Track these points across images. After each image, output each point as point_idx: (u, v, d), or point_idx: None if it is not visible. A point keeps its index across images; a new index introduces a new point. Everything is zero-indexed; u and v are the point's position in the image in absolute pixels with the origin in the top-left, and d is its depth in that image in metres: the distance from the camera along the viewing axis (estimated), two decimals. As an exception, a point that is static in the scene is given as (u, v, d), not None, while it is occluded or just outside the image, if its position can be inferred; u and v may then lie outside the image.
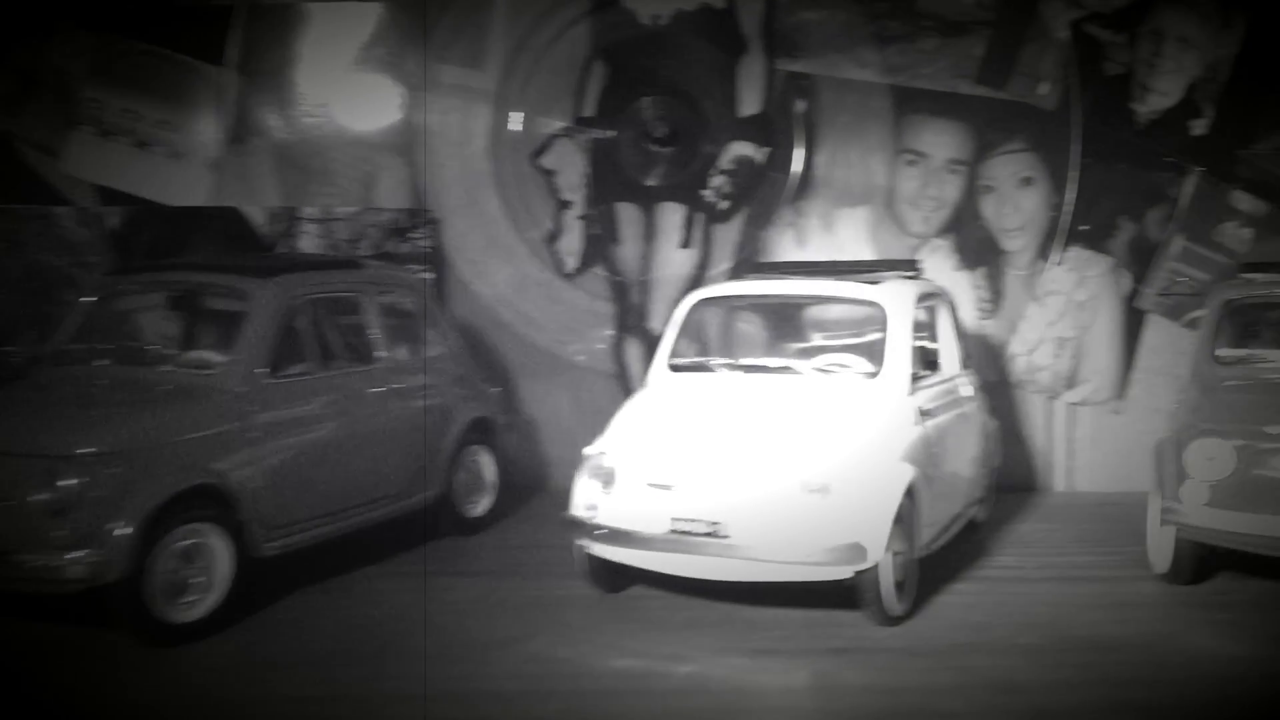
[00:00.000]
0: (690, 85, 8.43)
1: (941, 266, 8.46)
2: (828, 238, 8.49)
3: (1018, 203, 8.50)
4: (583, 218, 8.43)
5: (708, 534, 5.14)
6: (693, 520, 5.18)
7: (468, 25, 8.41)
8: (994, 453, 7.46)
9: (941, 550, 6.18)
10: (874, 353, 5.94)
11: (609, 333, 8.49)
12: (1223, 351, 6.40)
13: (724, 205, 8.47)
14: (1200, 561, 5.86)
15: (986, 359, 8.53)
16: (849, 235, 8.46)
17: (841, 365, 5.98)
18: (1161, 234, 8.50)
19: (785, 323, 7.13)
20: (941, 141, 8.44)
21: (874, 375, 5.77)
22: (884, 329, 5.86)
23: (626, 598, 5.74)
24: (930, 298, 6.68)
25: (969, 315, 8.49)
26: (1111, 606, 5.70)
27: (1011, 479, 8.30)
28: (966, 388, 6.76)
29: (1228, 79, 8.40)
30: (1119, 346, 8.50)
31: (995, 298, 8.57)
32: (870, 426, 5.41)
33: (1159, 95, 8.49)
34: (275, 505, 5.70)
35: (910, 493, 5.45)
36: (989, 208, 8.49)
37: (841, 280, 6.18)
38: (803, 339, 6.99)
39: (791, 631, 5.35)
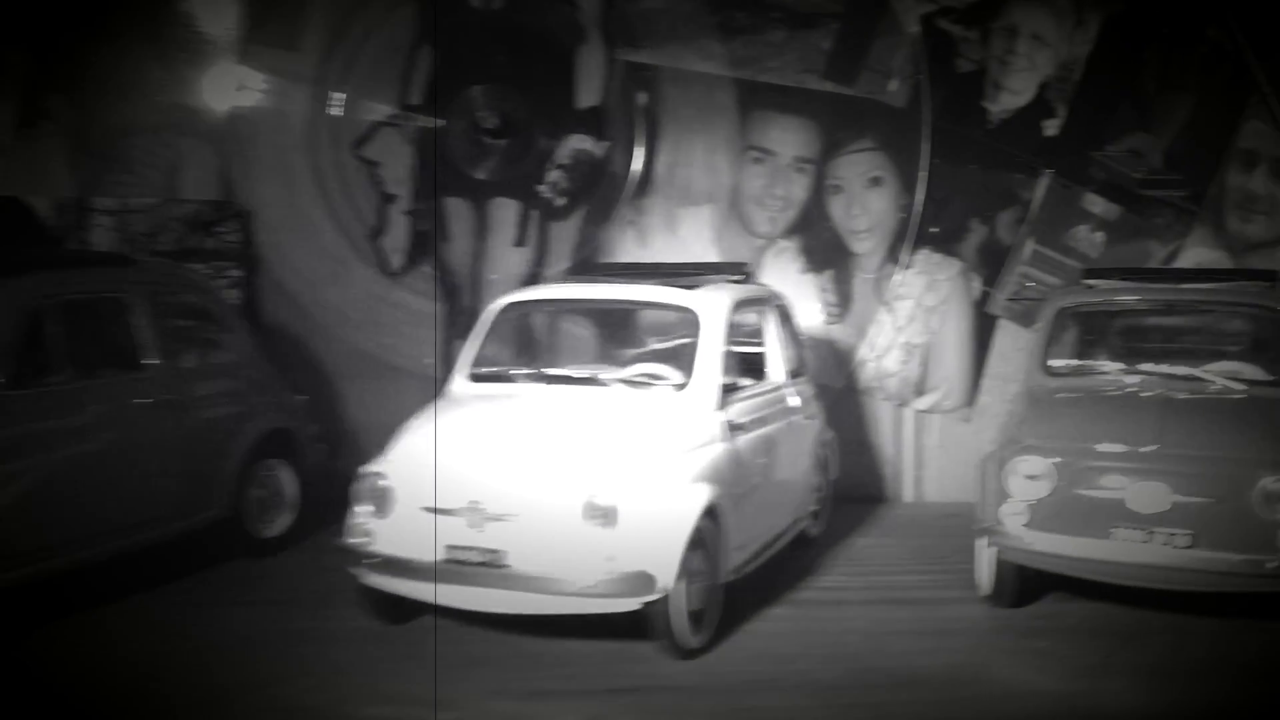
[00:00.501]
0: (525, 74, 7.96)
1: (788, 269, 8.18)
2: (670, 238, 8.09)
3: (866, 203, 8.20)
4: (409, 212, 7.90)
5: (485, 563, 4.69)
6: (470, 548, 4.72)
7: (283, 4, 7.91)
8: (832, 464, 7.17)
9: (762, 570, 5.83)
10: (688, 363, 5.60)
11: (437, 335, 8.07)
12: (1055, 362, 6.15)
13: (561, 202, 8.02)
14: (1025, 583, 5.57)
15: (833, 365, 8.28)
16: (692, 235, 8.07)
17: (653, 376, 5.59)
18: (1013, 237, 8.27)
19: (620, 329, 6.75)
20: (788, 139, 8.08)
21: (682, 387, 5.42)
22: (696, 337, 5.52)
23: (409, 630, 5.25)
24: (757, 302, 6.32)
25: (815, 319, 8.21)
26: (926, 633, 5.38)
27: (856, 490, 8.03)
28: (795, 397, 6.43)
29: (1081, 78, 8.21)
30: (969, 353, 8.23)
31: (843, 301, 8.27)
32: (666, 444, 5.00)
33: (1011, 94, 8.26)
34: (20, 531, 5.15)
35: (712, 514, 5.07)
36: (837, 208, 8.17)
37: (656, 285, 5.79)
38: (638, 345, 6.63)
39: (579, 669, 4.91)
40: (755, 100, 8.04)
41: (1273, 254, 8.40)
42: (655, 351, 5.84)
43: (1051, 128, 8.19)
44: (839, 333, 8.20)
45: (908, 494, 8.28)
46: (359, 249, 7.88)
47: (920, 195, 8.14)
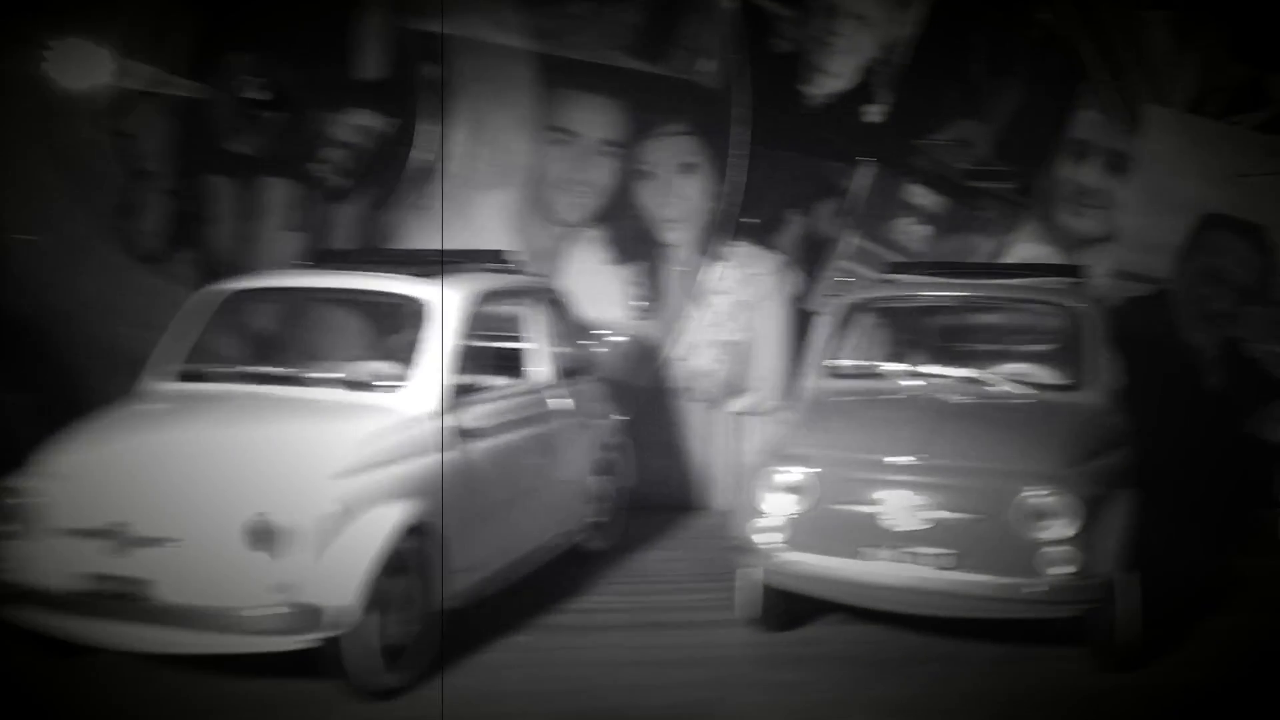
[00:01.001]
0: (300, 41, 7.25)
1: (591, 259, 7.67)
2: (462, 223, 7.49)
3: (678, 191, 7.61)
4: (166, 191, 7.21)
5: (124, 594, 4.04)
6: (111, 577, 4.06)
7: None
8: (623, 471, 6.64)
9: (515, 592, 5.26)
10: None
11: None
12: (837, 362, 5.69)
13: (340, 183, 7.36)
14: (795, 604, 5.05)
15: (640, 363, 7.76)
16: (487, 221, 7.47)
17: (379, 376, 4.98)
18: (833, 229, 7.90)
19: (369, 320, 6.12)
20: (593, 119, 7.47)
21: (398, 388, 4.81)
22: (421, 331, 4.92)
23: (71, 667, 4.57)
24: (518, 294, 5.72)
25: (621, 314, 7.71)
26: (671, 664, 4.83)
27: (661, 498, 7.52)
28: (565, 398, 5.89)
29: (905, 63, 7.78)
30: (787, 352, 7.83)
31: (653, 295, 7.74)
32: (358, 454, 4.35)
33: (831, 77, 7.77)
34: None
35: (422, 533, 4.52)
36: (646, 195, 7.58)
37: (386, 274, 5.18)
38: (386, 339, 5.98)
39: (256, 714, 4.32)
40: (557, 77, 7.40)
41: (1105, 250, 8.16)
42: (393, 348, 5.24)
43: (874, 114, 7.70)
44: (647, 329, 7.73)
45: (719, 501, 7.82)
46: (105, 230, 7.08)
47: (735, 183, 7.72)
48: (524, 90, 7.41)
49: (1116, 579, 4.53)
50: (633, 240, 7.59)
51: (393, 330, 5.36)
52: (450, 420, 4.76)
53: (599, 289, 7.50)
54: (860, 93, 7.71)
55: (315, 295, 5.38)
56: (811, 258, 7.76)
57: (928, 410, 4.97)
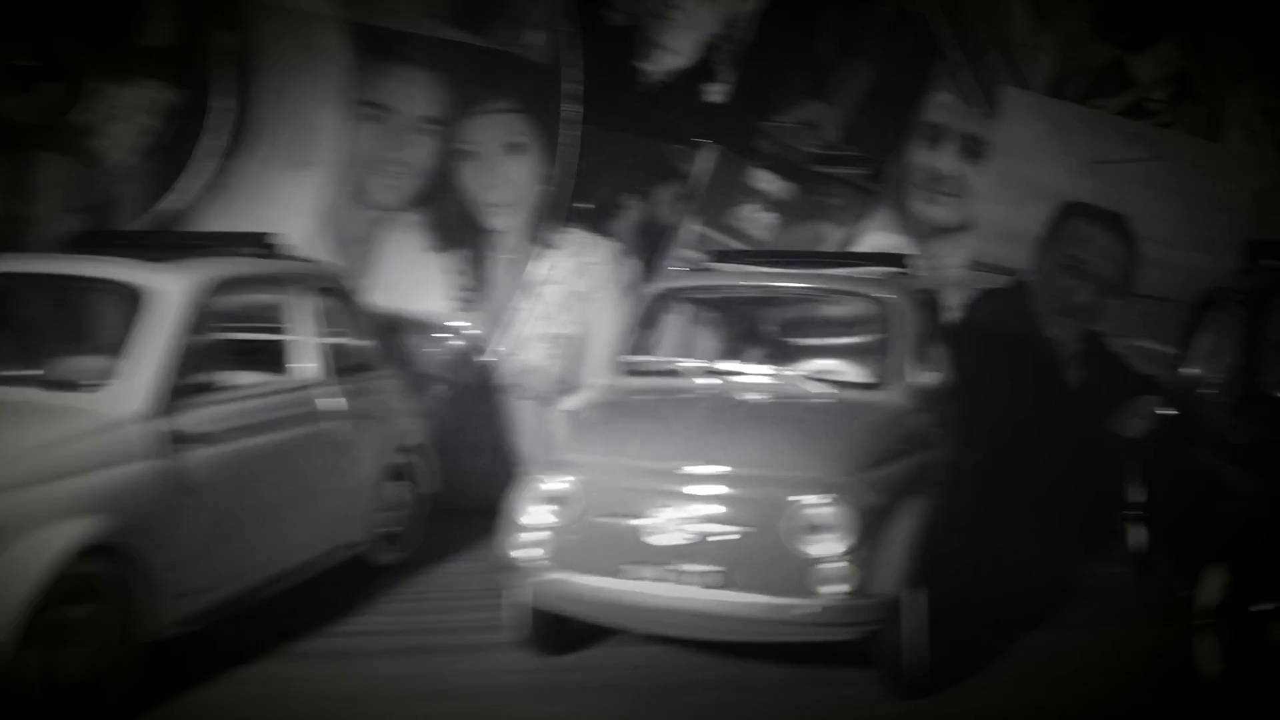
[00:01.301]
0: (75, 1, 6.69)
1: (410, 247, 7.14)
2: (264, 206, 6.93)
3: (504, 173, 7.09)
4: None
5: None
6: None
7: None
8: (424, 476, 6.10)
9: (265, 612, 4.71)
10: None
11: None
12: (632, 358, 5.21)
13: (124, 159, 6.76)
14: (564, 626, 4.51)
15: (463, 358, 7.23)
16: (292, 202, 6.91)
17: (85, 372, 4.44)
18: (673, 216, 7.41)
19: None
20: (410, 94, 6.91)
21: (98, 389, 4.21)
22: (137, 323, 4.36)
23: None
24: (277, 282, 5.14)
25: (443, 305, 7.17)
26: (421, 695, 4.30)
27: (483, 502, 7.02)
28: (337, 397, 5.31)
29: (749, 39, 7.34)
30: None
31: (477, 285, 7.22)
32: (19, 465, 3.73)
33: (670, 54, 7.27)
34: None
35: (114, 554, 3.96)
36: (469, 177, 7.06)
37: (101, 259, 4.56)
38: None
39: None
40: (370, 47, 6.83)
41: (961, 240, 7.82)
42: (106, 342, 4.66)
43: (716, 93, 7.28)
44: (474, 321, 7.14)
45: (549, 506, 7.36)
46: None
47: (567, 165, 7.23)
48: (333, 61, 6.83)
49: (902, 597, 4.16)
50: (455, 226, 7.04)
51: (111, 323, 4.81)
52: (161, 424, 4.23)
53: (418, 278, 7.00)
54: (701, 70, 7.24)
55: (27, 282, 4.79)
56: (650, 246, 7.25)
57: (706, 411, 4.51)
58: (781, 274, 5.28)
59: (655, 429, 4.46)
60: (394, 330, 6.74)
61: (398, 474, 5.81)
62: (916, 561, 4.15)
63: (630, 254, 7.22)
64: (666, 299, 5.37)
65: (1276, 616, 3.80)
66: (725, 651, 4.61)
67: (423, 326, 6.94)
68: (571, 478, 4.26)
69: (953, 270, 7.64)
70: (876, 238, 7.59)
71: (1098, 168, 7.63)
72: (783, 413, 4.60)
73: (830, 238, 7.57)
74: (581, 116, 7.04)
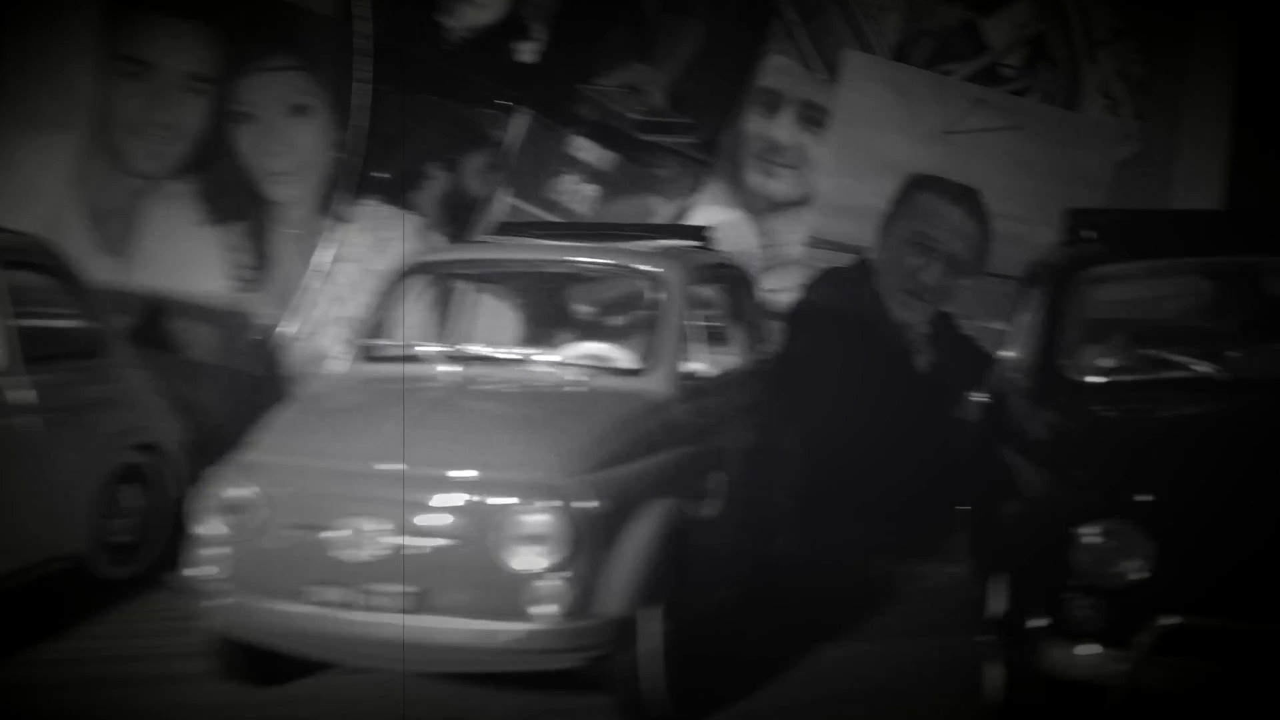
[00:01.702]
0: None
1: (177, 218, 6.43)
2: (8, 171, 6.23)
3: (287, 138, 6.42)
4: None
5: None
6: None
7: None
8: (170, 477, 5.32)
9: None
10: None
11: None
12: (369, 341, 4.42)
13: None
14: (268, 652, 3.79)
15: (246, 343, 6.55)
16: (40, 169, 6.21)
17: None
18: (483, 187, 6.78)
19: None
20: (175, 48, 6.26)
21: None
22: None
23: None
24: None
25: (219, 284, 6.49)
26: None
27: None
28: (26, 390, 4.46)
29: (566, -7, 6.84)
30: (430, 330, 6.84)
31: (259, 263, 6.50)
32: None
33: (475, 8, 6.60)
34: None
35: None
36: (247, 142, 6.38)
37: None
38: None
39: None
40: (128, -5, 6.30)
41: (800, 214, 7.30)
42: None
43: (528, 53, 6.67)
44: (255, 302, 6.48)
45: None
46: None
47: (359, 130, 6.53)
48: (86, 12, 6.19)
49: (638, 616, 3.59)
50: (231, 196, 6.37)
51: None
52: None
53: (188, 255, 6.31)
54: (511, 27, 6.60)
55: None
56: (457, 220, 6.59)
57: (425, 404, 3.83)
58: (544, 248, 4.70)
59: (356, 424, 3.82)
60: (156, 312, 6.08)
61: (131, 476, 5.15)
62: (653, 575, 3.60)
63: (435, 228, 6.58)
64: (415, 276, 4.74)
65: (1052, 635, 3.33)
66: (464, 679, 4.05)
67: (193, 309, 6.29)
68: (253, 483, 3.64)
69: (791, 248, 7.17)
70: (709, 212, 7.09)
71: (947, 138, 7.09)
72: (517, 405, 3.98)
73: (660, 212, 7.03)
74: (375, 75, 6.44)
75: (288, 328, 6.44)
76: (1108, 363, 4.01)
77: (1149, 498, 3.24)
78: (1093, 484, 3.39)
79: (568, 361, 4.24)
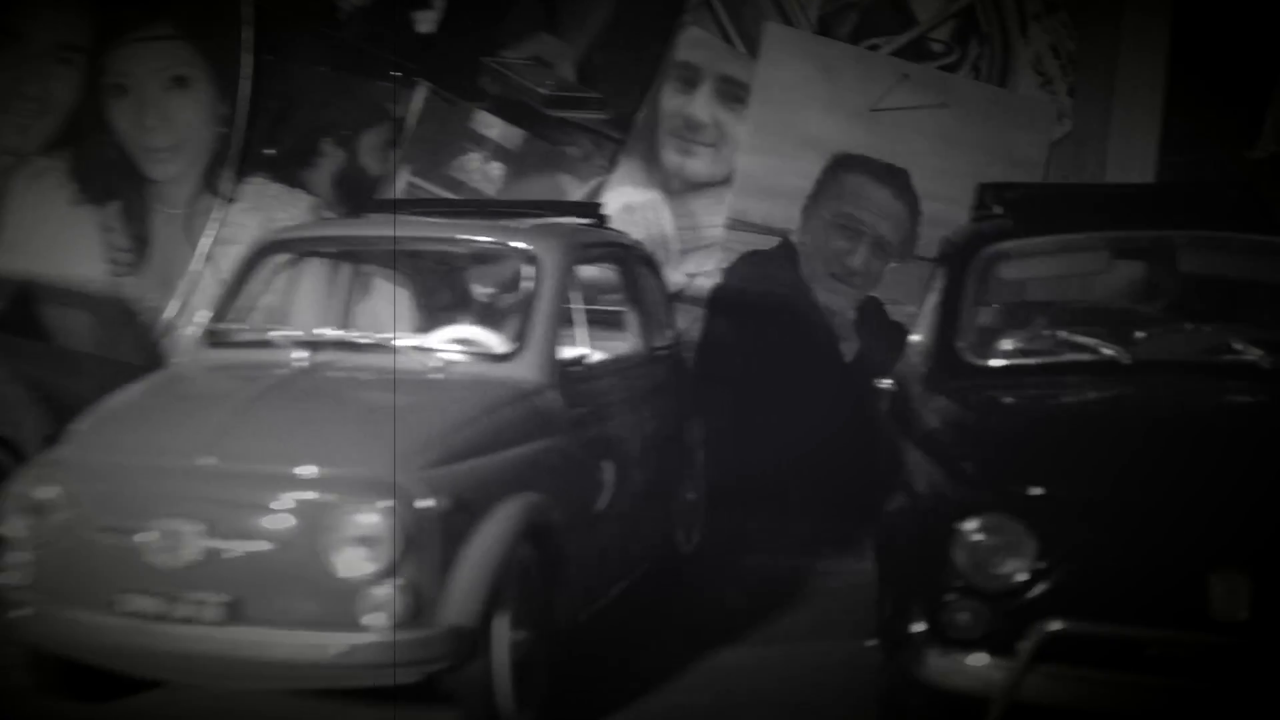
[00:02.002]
0: None
1: (47, 197, 5.96)
2: None
3: (167, 111, 6.00)
4: None
5: None
6: None
7: None
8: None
9: None
10: None
11: None
12: (218, 326, 4.02)
13: None
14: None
15: (125, 332, 6.20)
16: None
17: None
18: (380, 165, 6.41)
19: None
20: (41, 17, 5.80)
21: None
22: None
23: None
24: None
25: (93, 269, 6.01)
26: None
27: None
28: None
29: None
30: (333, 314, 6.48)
31: (138, 245, 6.10)
32: None
33: (369, -27, 6.44)
34: None
35: None
36: (123, 116, 5.97)
37: None
38: None
39: None
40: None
41: (720, 195, 7.01)
42: None
43: (426, 22, 6.31)
44: (131, 288, 6.10)
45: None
46: None
47: (244, 104, 6.17)
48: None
49: (494, 625, 3.20)
50: (106, 174, 5.94)
51: None
52: None
53: (57, 236, 5.90)
54: (407, -6, 6.39)
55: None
56: (352, 199, 6.19)
57: (260, 392, 3.48)
58: (412, 225, 4.34)
59: (179, 416, 3.44)
60: (24, 298, 5.69)
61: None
62: (507, 579, 3.27)
63: (328, 208, 6.20)
64: (270, 254, 4.32)
65: (931, 642, 3.04)
66: (318, 690, 3.72)
67: (65, 294, 5.90)
68: (56, 482, 3.24)
69: (711, 230, 6.86)
70: (622, 192, 6.77)
71: (873, 116, 6.82)
72: (363, 393, 3.63)
73: (572, 193, 6.71)
74: (262, 46, 6.06)
75: (170, 314, 6.10)
76: (1008, 345, 3.76)
77: (1035, 491, 2.98)
78: (977, 477, 3.12)
79: (431, 346, 3.92)
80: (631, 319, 4.75)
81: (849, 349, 6.87)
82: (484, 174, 6.44)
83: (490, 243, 4.16)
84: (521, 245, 4.05)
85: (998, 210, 4.33)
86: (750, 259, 6.79)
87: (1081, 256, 3.93)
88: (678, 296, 7.11)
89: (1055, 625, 2.81)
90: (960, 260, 3.88)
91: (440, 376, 3.73)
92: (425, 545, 3.09)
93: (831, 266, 6.89)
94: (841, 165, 6.83)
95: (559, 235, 4.21)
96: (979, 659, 2.90)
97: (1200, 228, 3.80)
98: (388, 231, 4.18)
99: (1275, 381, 3.41)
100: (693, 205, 6.74)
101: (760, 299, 6.78)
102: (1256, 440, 3.08)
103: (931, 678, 2.97)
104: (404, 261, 4.61)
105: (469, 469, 3.31)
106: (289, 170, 6.11)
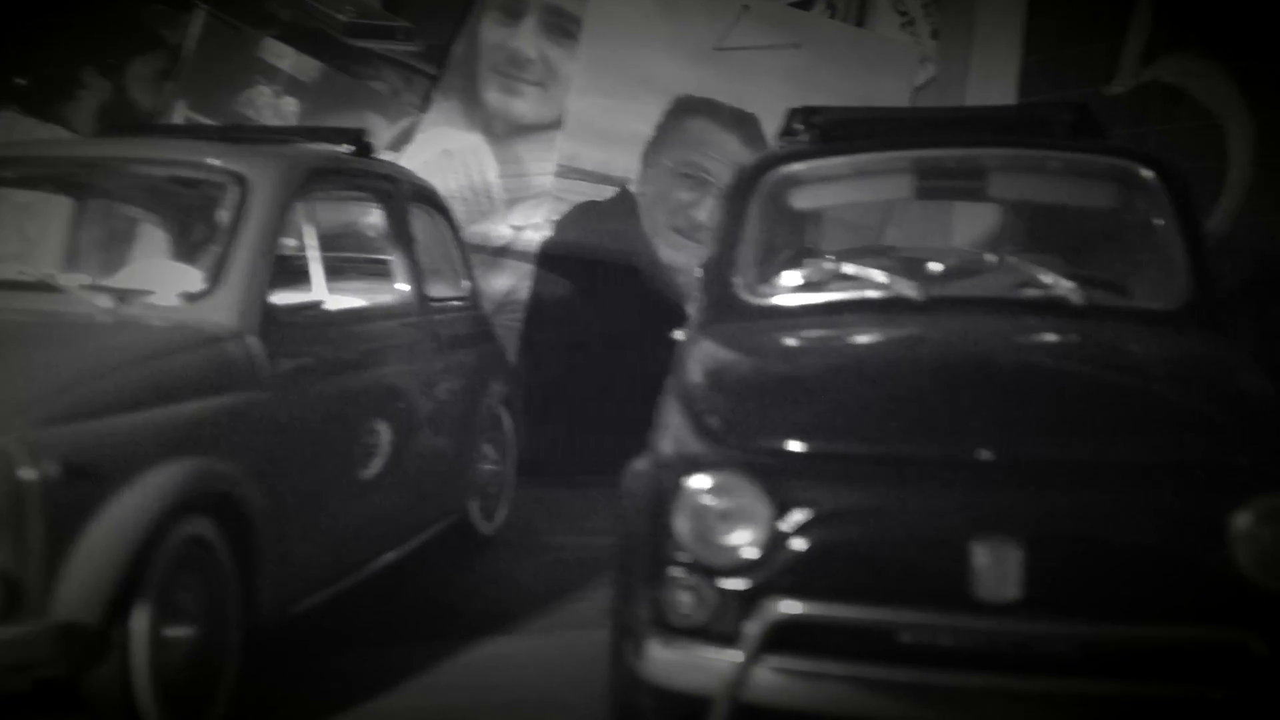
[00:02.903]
0: None
1: None
2: None
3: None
4: None
5: None
6: None
7: None
8: None
9: None
10: None
11: None
12: None
13: None
14: None
15: None
16: None
17: None
18: (155, 98, 5.67)
19: None
20: None
21: None
22: None
23: None
24: None
25: None
26: None
27: None
28: None
29: None
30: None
31: None
32: None
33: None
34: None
35: None
36: None
37: None
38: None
39: None
40: None
41: (549, 139, 6.42)
42: None
43: (205, -63, 5.80)
44: None
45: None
46: None
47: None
48: None
49: (131, 620, 2.62)
50: None
51: None
52: None
53: None
54: (183, -94, 5.69)
55: None
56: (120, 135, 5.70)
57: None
58: (95, 144, 3.68)
59: None
60: None
61: None
62: (147, 564, 2.69)
63: (92, 147, 5.59)
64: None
65: (652, 629, 2.49)
66: None
67: None
68: None
69: (540, 177, 6.27)
70: (437, 134, 6.14)
71: (719, 56, 6.33)
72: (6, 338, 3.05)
73: (380, 133, 6.06)
74: (7, -41, 5.37)
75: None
76: (789, 282, 3.25)
77: (773, 446, 2.50)
78: (716, 430, 2.61)
79: (104, 286, 3.29)
80: (400, 264, 4.15)
81: (691, 308, 6.41)
82: (275, 110, 5.75)
83: (187, 162, 3.51)
84: (225, 165, 3.38)
85: (804, 136, 3.82)
86: (584, 210, 6.20)
87: (881, 180, 3.42)
88: (503, 251, 6.58)
89: (786, 608, 2.31)
90: (744, 185, 3.36)
91: (109, 320, 3.12)
92: (25, 522, 2.49)
93: (674, 219, 6.34)
94: (685, 109, 6.26)
95: (277, 158, 3.55)
96: (704, 651, 2.40)
97: (1013, 147, 3.34)
98: (70, 153, 3.53)
99: (1086, 319, 2.95)
100: (519, 150, 6.12)
101: (596, 254, 6.21)
102: (1044, 387, 2.58)
103: (653, 673, 2.45)
104: (93, 186, 3.94)
105: (99, 428, 2.65)
106: (44, 103, 5.42)
